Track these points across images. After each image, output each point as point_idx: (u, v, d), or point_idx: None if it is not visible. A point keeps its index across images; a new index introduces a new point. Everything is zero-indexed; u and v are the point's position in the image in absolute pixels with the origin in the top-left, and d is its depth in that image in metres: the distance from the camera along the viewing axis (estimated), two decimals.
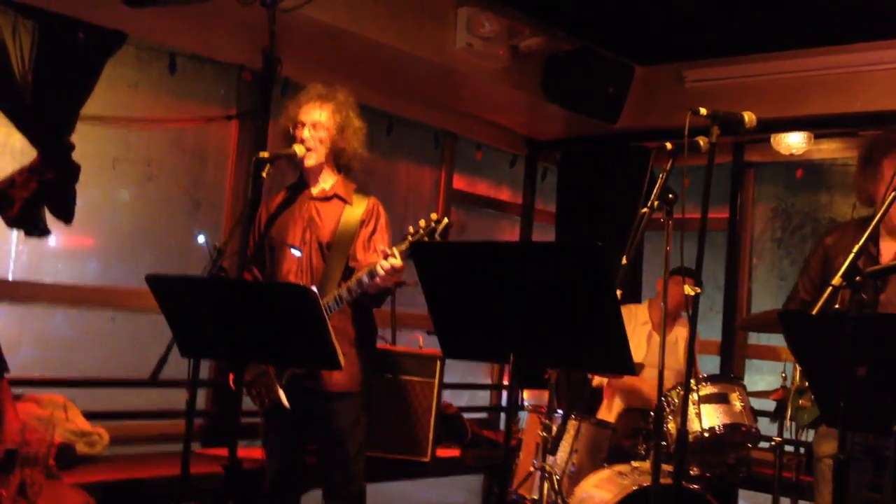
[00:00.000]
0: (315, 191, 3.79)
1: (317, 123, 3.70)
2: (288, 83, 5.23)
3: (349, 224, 3.71)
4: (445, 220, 3.43)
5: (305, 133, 3.69)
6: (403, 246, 3.43)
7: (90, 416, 4.48)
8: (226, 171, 5.43)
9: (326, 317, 2.90)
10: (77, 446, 4.26)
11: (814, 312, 2.33)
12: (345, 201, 3.76)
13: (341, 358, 2.95)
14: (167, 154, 5.22)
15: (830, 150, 6.34)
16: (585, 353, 2.63)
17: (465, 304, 2.69)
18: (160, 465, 4.37)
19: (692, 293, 2.88)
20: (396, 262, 3.40)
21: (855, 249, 2.41)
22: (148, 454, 4.80)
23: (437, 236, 3.39)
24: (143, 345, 4.93)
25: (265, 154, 3.60)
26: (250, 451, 4.13)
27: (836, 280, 2.33)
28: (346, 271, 3.66)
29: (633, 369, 2.59)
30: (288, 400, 3.57)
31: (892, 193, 2.58)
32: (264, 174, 3.57)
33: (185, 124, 5.22)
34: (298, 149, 3.70)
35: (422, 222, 3.45)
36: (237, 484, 3.46)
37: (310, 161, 3.72)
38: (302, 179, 3.84)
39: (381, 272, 3.42)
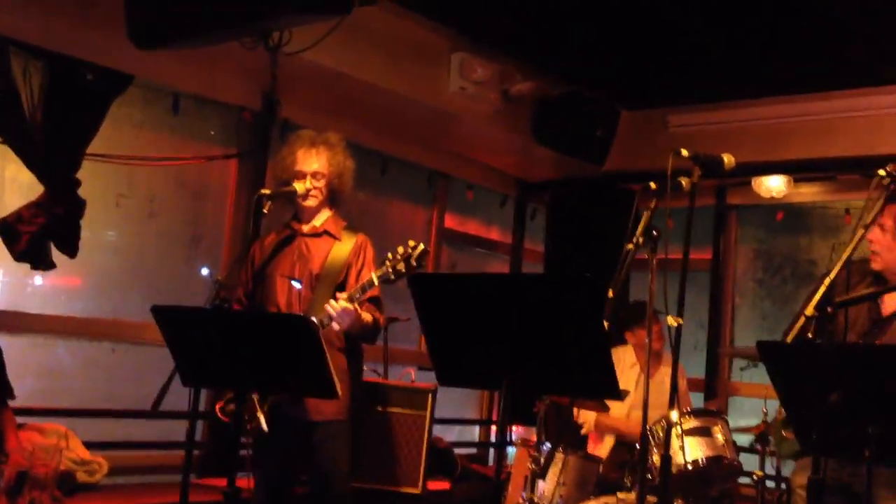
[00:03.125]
0: (307, 228, 3.93)
1: (316, 173, 3.84)
2: (287, 124, 5.40)
3: (337, 258, 3.84)
4: (421, 245, 3.51)
5: (307, 184, 3.83)
6: (366, 280, 3.59)
7: (90, 445, 4.57)
8: (225, 208, 5.59)
9: (325, 347, 3.02)
10: (77, 474, 4.36)
11: (787, 340, 2.46)
12: (334, 237, 3.90)
13: (339, 387, 3.07)
14: (169, 191, 5.38)
15: (810, 193, 6.54)
16: (575, 380, 2.76)
17: (460, 332, 2.80)
18: (159, 494, 4.45)
19: (675, 324, 3.00)
20: (345, 304, 3.55)
21: (826, 282, 2.55)
22: (146, 484, 4.88)
23: (412, 261, 3.49)
24: (141, 377, 5.03)
25: (266, 191, 3.74)
26: (249, 482, 4.21)
27: (809, 310, 2.47)
28: None
29: (620, 395, 2.72)
30: (276, 429, 3.66)
31: (861, 233, 2.73)
32: (265, 210, 3.70)
33: (187, 162, 5.37)
34: (299, 186, 3.84)
35: (399, 248, 3.54)
36: None
37: (310, 203, 3.88)
38: (296, 217, 3.98)
39: (333, 314, 3.57)
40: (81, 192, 4.67)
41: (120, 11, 4.22)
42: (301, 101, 5.46)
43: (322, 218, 3.93)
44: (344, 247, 3.86)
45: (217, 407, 3.87)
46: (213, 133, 5.55)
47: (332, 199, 3.95)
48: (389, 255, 3.57)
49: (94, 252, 4.98)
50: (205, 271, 5.51)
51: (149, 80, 5.05)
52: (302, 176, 3.83)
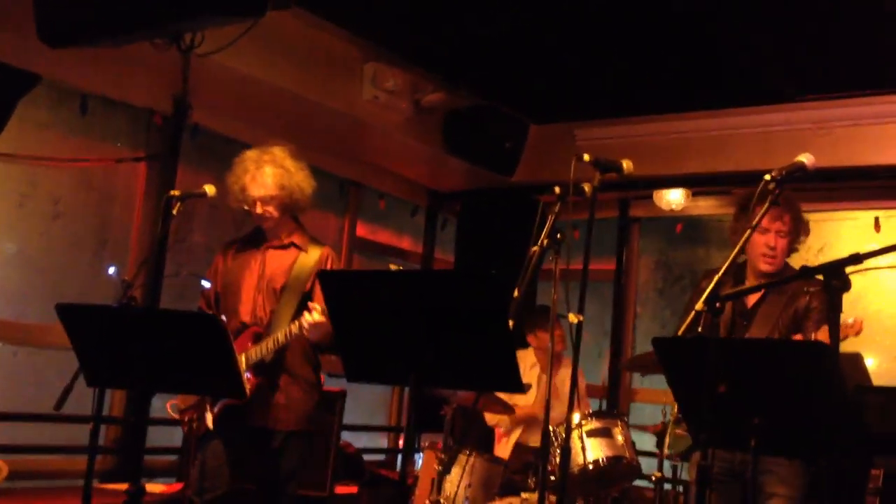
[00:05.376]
0: (273, 241, 3.94)
1: (264, 197, 3.83)
2: (198, 128, 5.38)
3: (303, 269, 3.87)
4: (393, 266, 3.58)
5: (258, 210, 3.84)
6: None
7: None
8: (133, 211, 5.53)
9: (233, 345, 3.04)
10: None
11: (678, 335, 2.60)
12: (300, 249, 3.92)
13: (246, 387, 3.08)
14: (75, 193, 5.30)
15: (707, 206, 6.80)
16: (480, 373, 2.84)
17: (369, 328, 2.85)
18: (61, 498, 4.39)
19: (575, 321, 3.13)
20: (317, 318, 3.59)
21: (715, 279, 2.71)
22: (48, 488, 4.80)
23: None
24: (44, 381, 4.95)
25: (176, 192, 3.72)
26: (153, 486, 4.20)
27: (699, 305, 2.61)
28: (296, 313, 3.77)
29: (522, 388, 2.82)
30: (231, 433, 3.68)
31: (748, 233, 2.91)
32: (174, 212, 3.71)
33: (95, 164, 5.31)
34: (209, 189, 3.83)
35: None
36: None
37: (268, 225, 3.90)
38: (260, 231, 3.98)
39: (305, 325, 3.63)
40: None
41: (29, 9, 4.16)
42: (212, 106, 5.46)
43: (287, 230, 3.94)
44: (310, 258, 3.89)
45: (168, 405, 3.85)
46: (119, 144, 5.49)
47: (293, 211, 3.95)
48: None
49: None
50: (112, 270, 5.45)
51: (56, 80, 4.98)
52: (253, 201, 3.84)
